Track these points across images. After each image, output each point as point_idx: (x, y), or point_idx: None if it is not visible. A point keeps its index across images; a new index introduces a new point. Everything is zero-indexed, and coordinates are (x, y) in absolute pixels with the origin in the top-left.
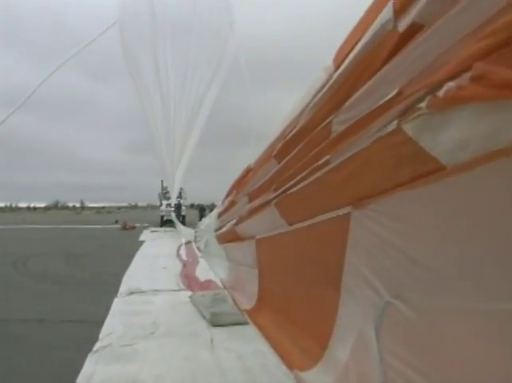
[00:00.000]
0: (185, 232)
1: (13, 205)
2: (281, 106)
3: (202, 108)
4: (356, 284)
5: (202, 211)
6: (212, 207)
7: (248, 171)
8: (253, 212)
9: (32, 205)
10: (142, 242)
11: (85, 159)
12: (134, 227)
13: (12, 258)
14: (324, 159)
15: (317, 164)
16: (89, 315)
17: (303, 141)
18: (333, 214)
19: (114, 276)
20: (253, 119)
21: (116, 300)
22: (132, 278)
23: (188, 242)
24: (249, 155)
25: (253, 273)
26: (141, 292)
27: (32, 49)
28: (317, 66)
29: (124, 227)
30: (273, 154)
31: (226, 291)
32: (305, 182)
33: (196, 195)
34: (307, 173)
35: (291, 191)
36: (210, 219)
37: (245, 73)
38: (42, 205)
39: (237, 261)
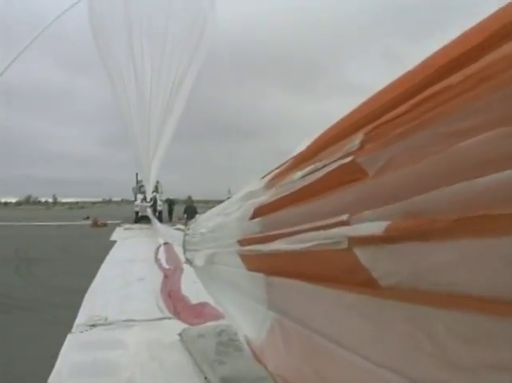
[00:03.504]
0: (163, 231)
1: None
2: (261, 99)
3: (180, 94)
4: None
5: (172, 204)
6: (189, 202)
7: None
8: None
9: (3, 200)
10: (113, 242)
11: (59, 154)
12: (105, 224)
13: None
14: None
15: None
16: (25, 371)
17: None
18: None
19: (74, 293)
20: (231, 111)
21: (69, 338)
22: (96, 298)
23: (167, 243)
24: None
25: None
26: (107, 324)
27: None
28: (298, 61)
29: (95, 224)
30: None
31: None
32: None
33: (171, 188)
34: None
35: None
36: (223, 218)
37: (225, 58)
38: (14, 200)
39: (324, 333)
